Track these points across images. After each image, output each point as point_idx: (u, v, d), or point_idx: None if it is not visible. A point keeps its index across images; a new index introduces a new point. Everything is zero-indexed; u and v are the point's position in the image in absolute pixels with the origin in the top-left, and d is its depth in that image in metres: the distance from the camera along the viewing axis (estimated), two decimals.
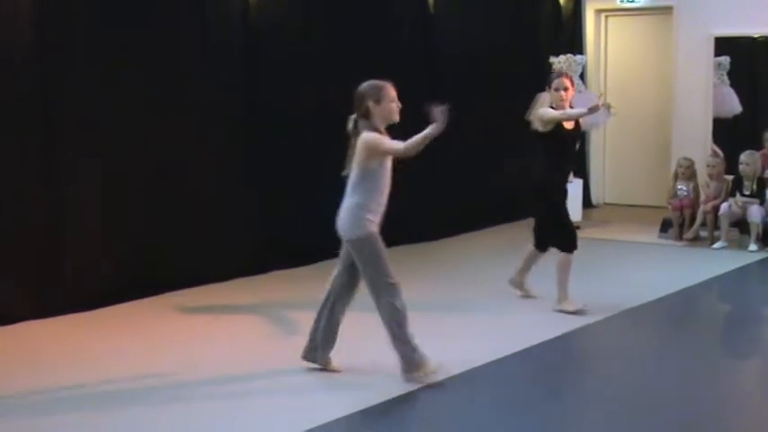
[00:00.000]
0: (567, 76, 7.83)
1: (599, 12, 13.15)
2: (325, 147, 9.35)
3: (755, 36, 11.75)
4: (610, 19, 13.23)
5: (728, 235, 10.38)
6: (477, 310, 7.79)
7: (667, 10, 12.10)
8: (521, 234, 10.73)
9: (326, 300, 6.18)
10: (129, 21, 7.95)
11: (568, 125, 7.66)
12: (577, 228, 10.56)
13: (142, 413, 5.50)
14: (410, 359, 5.92)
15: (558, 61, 11.42)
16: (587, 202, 12.71)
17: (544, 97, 11.50)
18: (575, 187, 11.37)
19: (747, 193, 10.35)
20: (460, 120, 10.69)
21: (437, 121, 5.76)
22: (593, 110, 7.51)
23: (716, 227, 10.49)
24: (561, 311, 7.57)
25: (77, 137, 7.64)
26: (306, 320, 6.37)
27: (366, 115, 5.94)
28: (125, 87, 7.93)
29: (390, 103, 5.96)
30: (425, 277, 8.86)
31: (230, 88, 8.76)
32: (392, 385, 5.88)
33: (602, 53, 13.22)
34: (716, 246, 10.33)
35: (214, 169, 8.66)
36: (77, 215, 7.65)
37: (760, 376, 6.63)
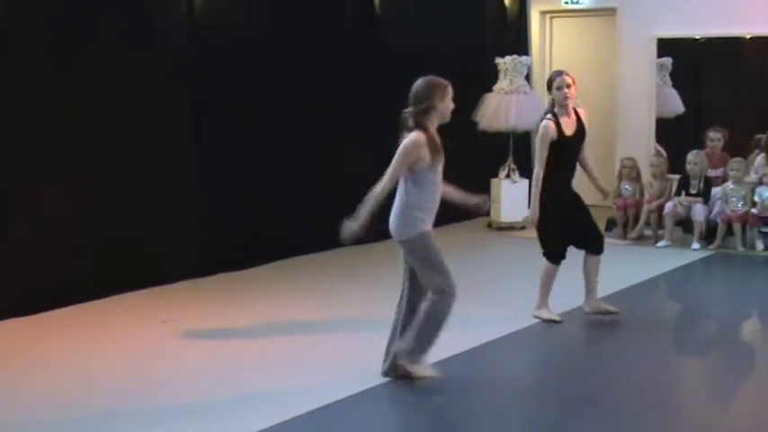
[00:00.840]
0: (567, 73, 7.39)
1: (544, 13, 13.25)
2: (274, 142, 9.39)
3: (697, 37, 11.90)
4: (555, 20, 13.34)
5: (672, 234, 10.50)
6: None
7: (611, 11, 12.23)
8: (465, 234, 10.91)
9: (405, 316, 6.01)
10: (77, 13, 7.86)
11: (569, 131, 7.36)
12: (522, 228, 10.71)
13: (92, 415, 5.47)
14: (414, 357, 5.86)
15: (504, 62, 11.48)
16: None
17: (490, 98, 11.64)
18: (520, 187, 11.47)
19: (694, 191, 10.48)
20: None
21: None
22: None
23: (660, 226, 10.61)
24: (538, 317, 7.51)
25: (26, 134, 7.54)
26: (257, 322, 6.35)
27: (427, 111, 5.81)
28: (75, 84, 7.84)
29: (450, 103, 5.88)
30: (378, 277, 8.89)
31: (178, 85, 8.70)
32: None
33: (547, 54, 13.32)
34: (660, 244, 10.45)
35: (165, 169, 8.58)
36: (25, 214, 7.55)
37: (703, 373, 6.72)
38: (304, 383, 6.01)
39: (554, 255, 7.41)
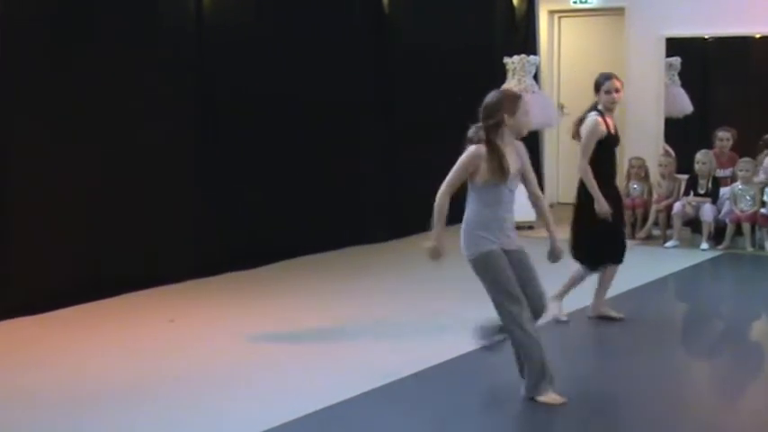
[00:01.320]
0: (616, 77, 7.30)
1: (552, 12, 13.24)
2: (275, 142, 9.38)
3: (706, 37, 11.88)
4: (563, 20, 13.33)
5: (680, 234, 10.48)
6: (428, 310, 7.81)
7: (619, 11, 12.20)
8: None
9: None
10: (77, 13, 7.86)
11: (613, 131, 7.25)
12: (530, 228, 10.69)
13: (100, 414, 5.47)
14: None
15: (512, 61, 11.46)
16: None
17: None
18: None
19: (702, 191, 10.46)
20: (413, 122, 10.74)
21: None
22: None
23: (668, 226, 10.59)
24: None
25: (26, 134, 7.54)
26: (258, 322, 6.34)
27: (497, 125, 5.56)
28: (75, 84, 7.84)
29: (524, 117, 5.61)
30: (376, 278, 8.88)
31: (178, 84, 8.69)
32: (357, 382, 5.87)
33: (555, 54, 13.31)
34: (668, 244, 10.43)
35: (169, 169, 8.58)
36: (26, 214, 7.55)
37: (712, 373, 6.70)
38: (308, 383, 6.00)
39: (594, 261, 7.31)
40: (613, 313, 7.57)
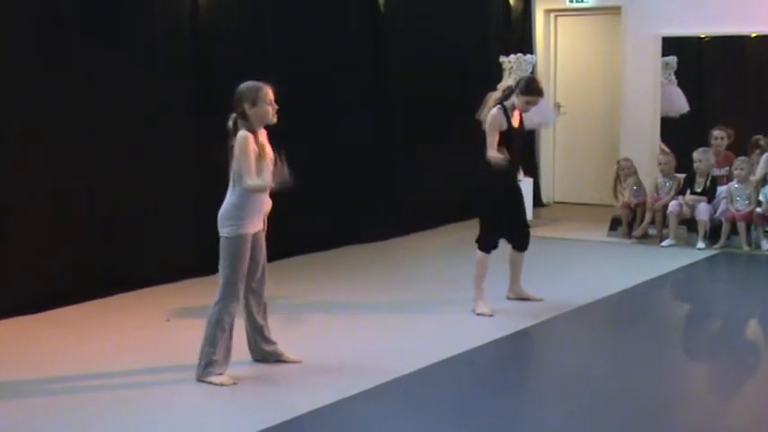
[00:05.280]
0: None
1: (548, 12, 13.25)
2: (278, 144, 9.38)
3: (702, 36, 11.89)
4: (559, 19, 13.34)
5: (677, 233, 10.49)
6: (426, 309, 7.82)
7: (616, 10, 12.21)
8: (467, 233, 10.89)
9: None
10: (78, 13, 7.86)
11: (515, 122, 7.64)
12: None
13: (94, 412, 5.48)
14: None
15: (509, 60, 11.47)
16: (537, 201, 12.79)
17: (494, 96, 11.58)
18: (525, 186, 11.45)
19: (699, 190, 10.47)
20: (410, 121, 10.76)
21: (279, 177, 6.03)
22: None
23: (664, 225, 10.60)
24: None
25: (26, 134, 7.55)
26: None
27: (243, 116, 6.03)
28: (75, 84, 7.83)
29: (266, 106, 6.10)
30: (374, 277, 8.89)
31: (179, 84, 8.68)
32: (340, 386, 5.90)
33: (551, 53, 13.32)
34: (664, 243, 10.44)
35: (166, 169, 8.58)
36: (24, 215, 7.55)
37: (707, 373, 6.71)
38: (310, 383, 6.01)
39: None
40: (532, 294, 7.92)
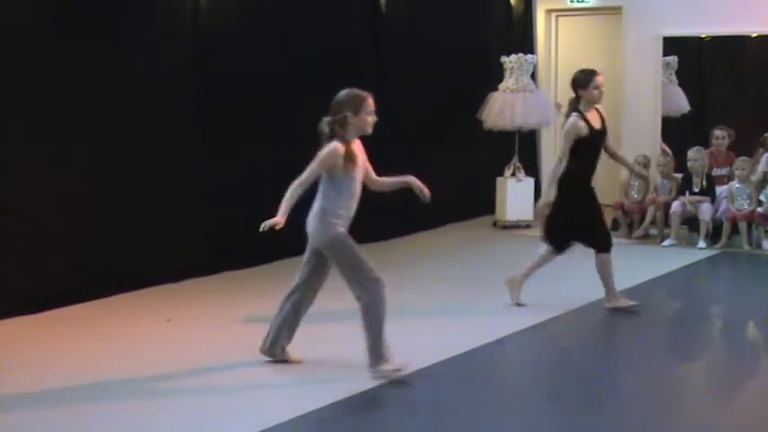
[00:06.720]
0: (600, 74, 7.54)
1: (550, 11, 13.24)
2: (277, 147, 9.38)
3: (702, 36, 11.89)
4: (560, 19, 13.33)
5: (678, 233, 10.49)
6: (426, 309, 7.81)
7: (617, 10, 12.21)
8: (467, 233, 10.91)
9: (291, 294, 6.20)
10: (78, 13, 7.84)
11: (596, 124, 7.50)
12: (528, 227, 10.72)
13: (100, 411, 5.47)
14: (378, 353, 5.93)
15: (510, 60, 11.48)
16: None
17: (496, 97, 11.62)
18: (526, 186, 11.47)
19: (697, 189, 10.47)
20: (410, 121, 10.74)
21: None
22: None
23: (666, 224, 10.59)
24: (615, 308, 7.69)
25: (26, 134, 7.54)
26: (259, 320, 6.35)
27: (342, 124, 5.92)
28: (75, 84, 7.83)
29: (367, 117, 5.99)
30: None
31: (178, 84, 8.68)
32: (357, 381, 5.90)
33: (552, 53, 13.31)
34: (665, 243, 10.44)
35: (167, 169, 8.58)
36: (24, 215, 7.54)
37: (708, 373, 6.71)
38: (310, 383, 6.01)
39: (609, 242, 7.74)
40: (517, 294, 7.84)
